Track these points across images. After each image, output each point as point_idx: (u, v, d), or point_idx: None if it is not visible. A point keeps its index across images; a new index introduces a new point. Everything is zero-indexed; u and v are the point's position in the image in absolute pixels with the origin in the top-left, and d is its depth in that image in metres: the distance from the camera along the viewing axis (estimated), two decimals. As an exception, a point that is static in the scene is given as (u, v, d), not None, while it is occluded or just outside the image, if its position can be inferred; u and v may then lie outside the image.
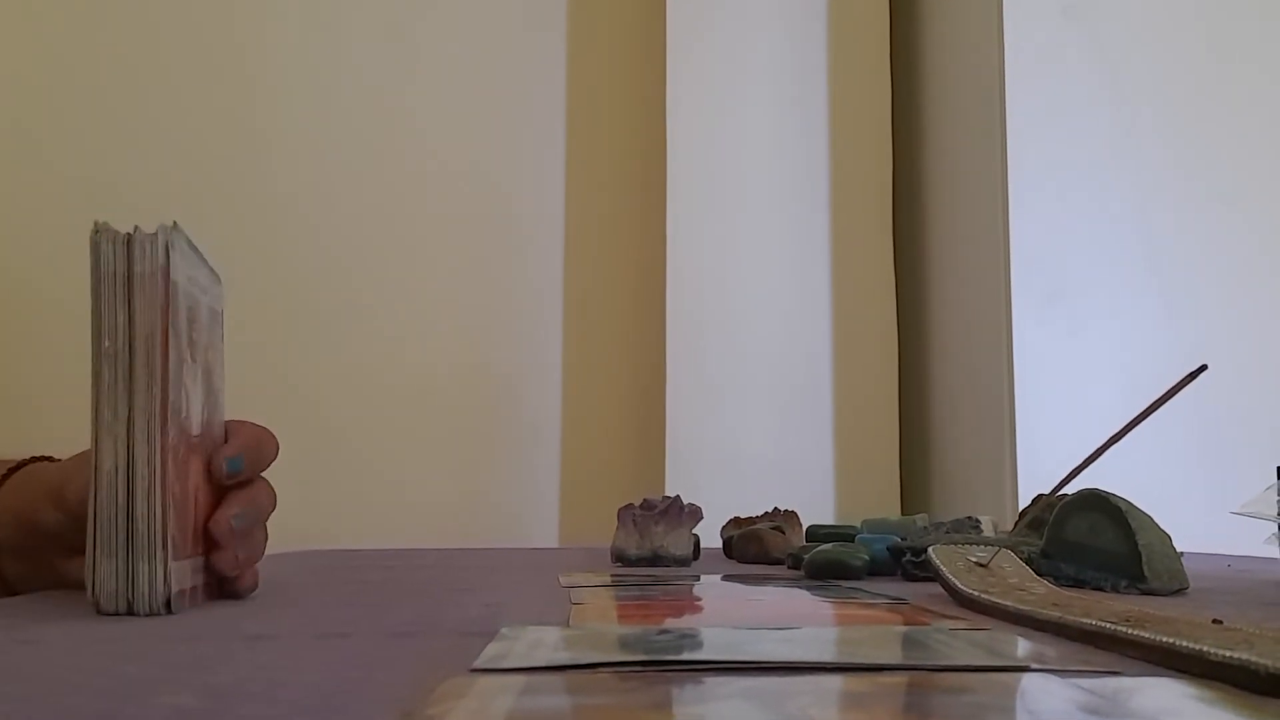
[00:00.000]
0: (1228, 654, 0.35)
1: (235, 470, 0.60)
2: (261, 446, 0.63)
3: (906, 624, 0.51)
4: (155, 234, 0.54)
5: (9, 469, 0.69)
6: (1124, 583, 0.68)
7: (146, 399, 0.53)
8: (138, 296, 0.54)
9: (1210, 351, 1.25)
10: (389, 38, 1.60)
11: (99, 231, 0.54)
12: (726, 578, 0.83)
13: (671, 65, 1.55)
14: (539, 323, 1.59)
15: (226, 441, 0.63)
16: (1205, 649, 0.36)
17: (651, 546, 0.91)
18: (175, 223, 0.55)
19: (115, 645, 0.45)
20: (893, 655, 0.42)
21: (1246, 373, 1.29)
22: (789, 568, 0.88)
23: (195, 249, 0.59)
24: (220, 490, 0.60)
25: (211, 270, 0.62)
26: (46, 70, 1.53)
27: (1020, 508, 1.01)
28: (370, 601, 0.68)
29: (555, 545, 1.52)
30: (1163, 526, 0.71)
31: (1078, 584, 0.69)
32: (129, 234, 0.54)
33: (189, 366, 0.57)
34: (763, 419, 1.52)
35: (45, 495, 0.63)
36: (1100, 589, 0.68)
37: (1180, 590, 0.68)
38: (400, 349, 1.56)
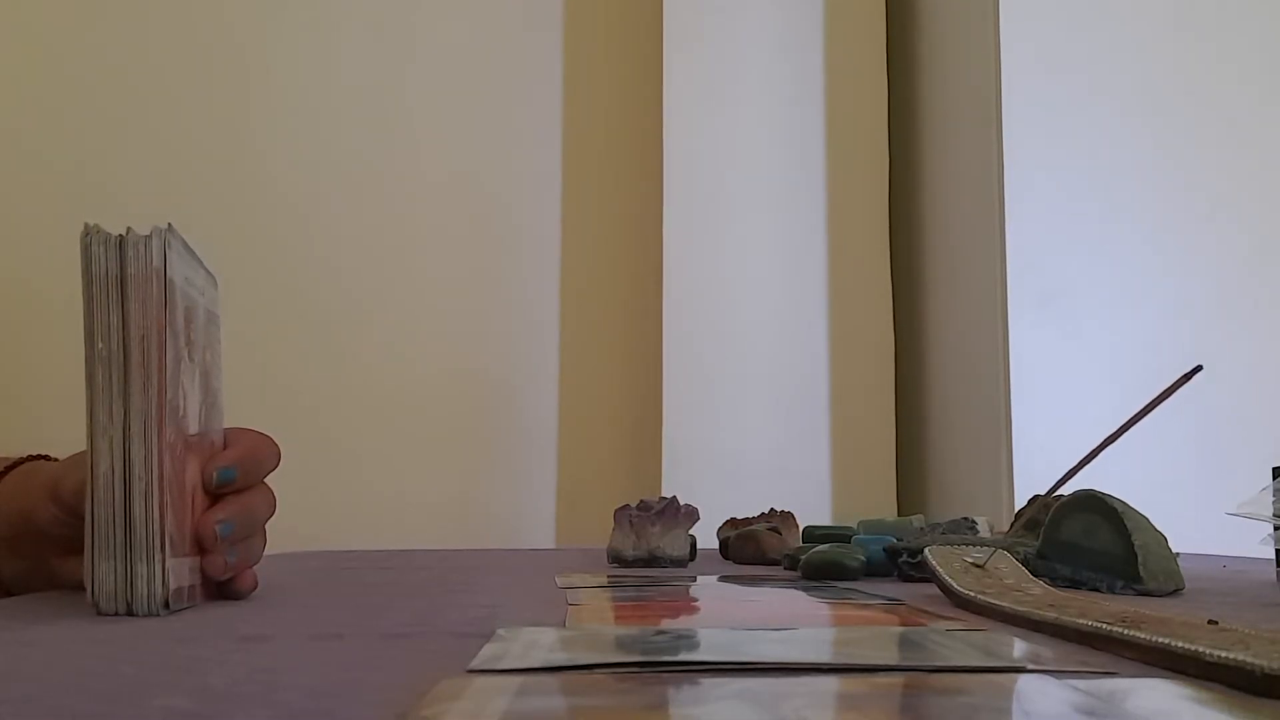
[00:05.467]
0: (1223, 655, 0.35)
1: (227, 479, 0.60)
2: (259, 455, 0.63)
3: (903, 625, 0.51)
4: (149, 235, 0.54)
5: (7, 466, 0.69)
6: (1120, 583, 0.68)
7: (142, 400, 0.53)
8: (131, 298, 0.53)
9: (1205, 352, 1.25)
10: (384, 42, 1.60)
11: (89, 233, 0.54)
12: (723, 579, 0.83)
13: (668, 68, 1.55)
14: (536, 325, 1.59)
15: (226, 448, 0.63)
16: (1201, 650, 0.36)
17: (648, 547, 0.91)
18: (170, 224, 0.55)
19: (112, 646, 0.45)
20: (889, 656, 0.42)
21: (1242, 373, 1.29)
22: (785, 569, 0.88)
23: (191, 251, 0.58)
24: (217, 494, 0.60)
25: (209, 273, 0.62)
26: (43, 71, 1.53)
27: (1016, 508, 1.01)
28: (366, 603, 0.68)
29: (552, 546, 1.52)
30: (1158, 527, 0.71)
31: (1074, 585, 0.69)
32: (121, 236, 0.54)
33: (186, 365, 0.57)
34: (759, 420, 1.52)
35: (41, 491, 0.63)
36: (1096, 590, 0.68)
37: (1176, 591, 0.68)
38: (397, 351, 1.56)
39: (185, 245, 0.57)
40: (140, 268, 0.54)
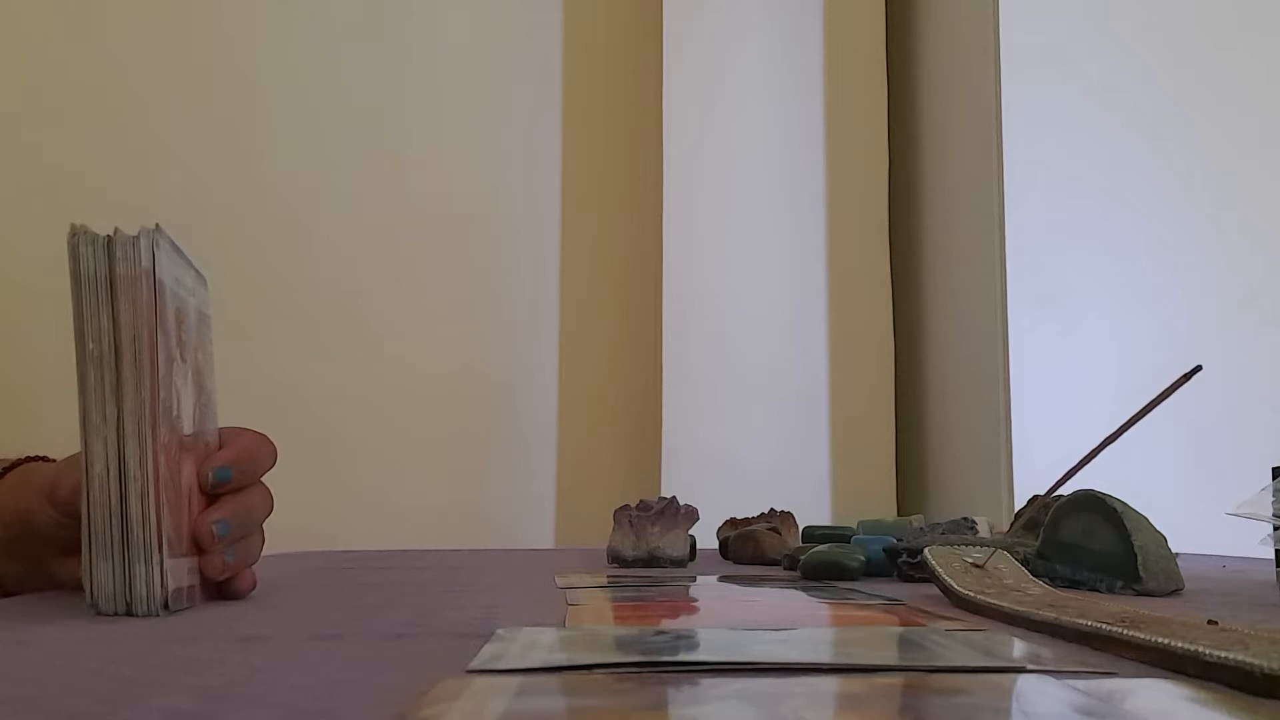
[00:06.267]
0: (1223, 655, 0.35)
1: (223, 479, 0.60)
2: (256, 455, 0.63)
3: (902, 625, 0.51)
4: (136, 236, 0.54)
5: (5, 467, 0.69)
6: (1119, 584, 0.68)
7: (135, 400, 0.53)
8: (121, 298, 0.53)
9: (1205, 352, 1.25)
10: (383, 40, 1.60)
11: (76, 234, 0.54)
12: (722, 579, 0.83)
13: (668, 68, 1.55)
14: (535, 325, 1.59)
15: (221, 448, 0.62)
16: (1200, 650, 0.36)
17: (648, 547, 0.91)
18: (158, 225, 0.55)
19: (111, 647, 0.45)
20: (888, 656, 0.42)
21: (1241, 373, 1.29)
22: (785, 569, 0.88)
23: (180, 251, 0.58)
24: (214, 494, 0.60)
25: (198, 273, 0.62)
26: (39, 72, 1.53)
27: (1016, 509, 1.01)
28: (366, 603, 0.68)
29: (551, 546, 1.52)
30: (1158, 527, 0.71)
31: (1073, 585, 0.69)
32: (109, 236, 0.54)
33: (179, 366, 0.57)
34: (759, 420, 1.52)
35: (39, 493, 0.63)
36: (1095, 590, 0.68)
37: (1175, 591, 0.68)
38: (397, 352, 1.56)
39: (174, 245, 0.57)
40: (129, 268, 0.53)
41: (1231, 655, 0.35)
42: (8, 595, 0.69)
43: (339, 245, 1.56)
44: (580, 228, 1.61)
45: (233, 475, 0.60)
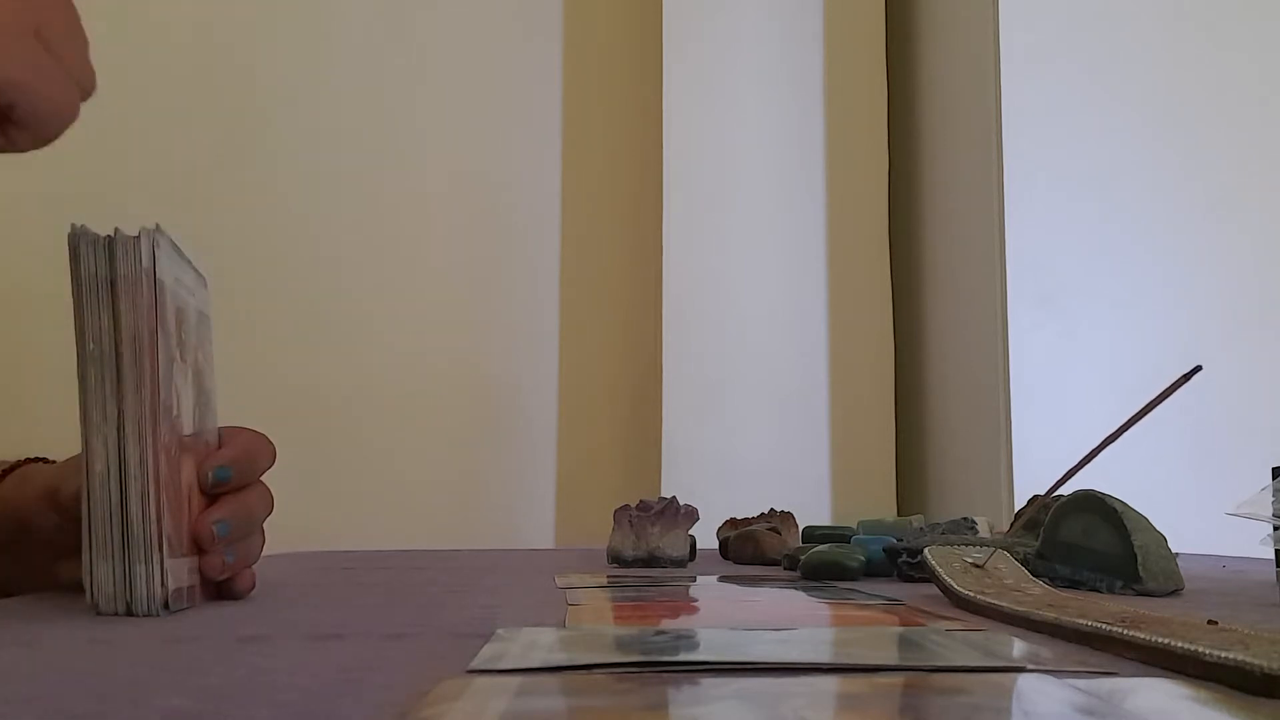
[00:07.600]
0: (1223, 655, 0.35)
1: (222, 479, 0.60)
2: (255, 454, 0.63)
3: (902, 625, 0.51)
4: (137, 236, 0.54)
5: (4, 470, 0.69)
6: (1119, 583, 0.68)
7: (135, 400, 0.53)
8: (121, 298, 0.53)
9: (1205, 352, 1.25)
10: (384, 40, 1.60)
11: (77, 234, 0.54)
12: (722, 579, 0.83)
13: (668, 68, 1.55)
14: (536, 324, 1.59)
15: (221, 447, 0.62)
16: (1200, 650, 0.36)
17: (648, 547, 0.91)
18: (158, 225, 0.55)
19: (111, 646, 0.45)
20: (888, 656, 0.42)
21: (1240, 373, 1.29)
22: (785, 569, 0.88)
23: (180, 252, 0.58)
24: (213, 494, 0.60)
25: (198, 273, 0.62)
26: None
27: (1016, 509, 1.01)
28: (366, 603, 0.68)
29: (551, 546, 1.52)
30: (1158, 527, 0.71)
31: (1073, 585, 0.69)
32: (109, 236, 0.54)
33: (179, 366, 0.57)
34: (759, 420, 1.52)
35: (40, 497, 0.63)
36: (1096, 590, 0.68)
37: (1175, 591, 0.68)
38: (397, 351, 1.56)
39: (174, 245, 0.57)
40: (130, 268, 0.53)
41: (1231, 655, 0.35)
42: (6, 595, 0.68)
43: (339, 245, 1.56)
44: (580, 227, 1.61)
45: (232, 475, 0.60)
